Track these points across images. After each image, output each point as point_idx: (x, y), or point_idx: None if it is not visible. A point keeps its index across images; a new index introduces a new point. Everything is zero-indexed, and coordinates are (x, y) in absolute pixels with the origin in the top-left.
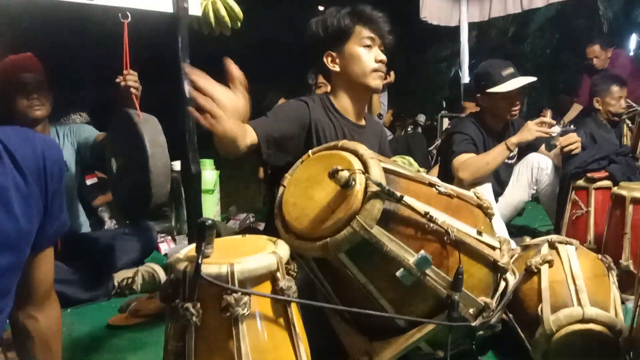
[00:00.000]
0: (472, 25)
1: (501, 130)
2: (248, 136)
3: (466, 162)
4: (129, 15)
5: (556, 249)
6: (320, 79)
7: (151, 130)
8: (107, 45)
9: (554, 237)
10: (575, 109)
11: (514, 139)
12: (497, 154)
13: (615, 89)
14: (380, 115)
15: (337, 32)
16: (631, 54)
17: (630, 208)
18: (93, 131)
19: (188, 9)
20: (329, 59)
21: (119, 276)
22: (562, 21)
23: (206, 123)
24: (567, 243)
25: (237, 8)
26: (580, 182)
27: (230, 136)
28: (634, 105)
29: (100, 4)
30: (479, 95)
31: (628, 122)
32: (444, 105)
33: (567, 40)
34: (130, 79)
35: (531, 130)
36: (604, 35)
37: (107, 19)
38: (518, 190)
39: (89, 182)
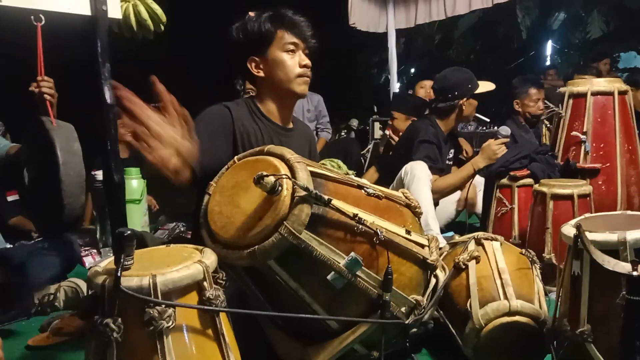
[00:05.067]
0: (400, 32)
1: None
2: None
3: (437, 184)
4: (43, 18)
5: (482, 245)
6: (249, 85)
7: (64, 137)
8: (22, 50)
9: (480, 233)
10: None
11: (480, 163)
12: (464, 177)
13: (533, 91)
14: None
15: (259, 37)
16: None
17: (551, 204)
18: (5, 143)
19: (107, 12)
20: (253, 64)
21: (40, 293)
22: (484, 28)
23: (143, 151)
24: (492, 239)
25: (159, 11)
26: (504, 181)
27: (172, 168)
28: (551, 106)
29: (9, 4)
30: (465, 98)
31: (546, 122)
32: (375, 110)
33: (488, 45)
34: (45, 85)
35: (496, 152)
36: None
37: (20, 21)
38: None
39: (9, 198)
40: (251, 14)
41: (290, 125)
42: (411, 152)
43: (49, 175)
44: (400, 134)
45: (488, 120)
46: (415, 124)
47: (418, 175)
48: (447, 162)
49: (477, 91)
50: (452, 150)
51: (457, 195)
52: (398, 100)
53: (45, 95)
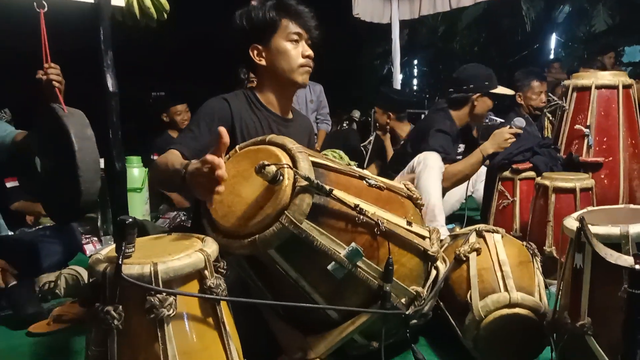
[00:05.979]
0: (404, 24)
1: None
2: (177, 163)
3: (447, 170)
4: (45, 4)
5: (483, 237)
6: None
7: (77, 124)
8: (25, 38)
9: (481, 226)
10: None
11: (490, 149)
12: (474, 164)
13: (535, 84)
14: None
15: (263, 25)
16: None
17: (552, 197)
18: (11, 129)
19: None
20: (255, 52)
21: (41, 280)
22: (488, 20)
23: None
24: (493, 231)
25: None
26: (506, 174)
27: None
28: (555, 99)
29: None
30: (478, 95)
31: (549, 115)
32: None
33: (493, 37)
34: (52, 72)
35: (507, 140)
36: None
37: (24, 9)
38: (457, 190)
39: (8, 184)
40: (253, 2)
41: (290, 116)
42: (424, 142)
43: (64, 162)
44: (388, 127)
45: (502, 121)
46: (431, 114)
47: (430, 166)
48: (457, 156)
49: (494, 91)
50: (462, 146)
51: (462, 191)
52: (379, 96)
53: (54, 82)
